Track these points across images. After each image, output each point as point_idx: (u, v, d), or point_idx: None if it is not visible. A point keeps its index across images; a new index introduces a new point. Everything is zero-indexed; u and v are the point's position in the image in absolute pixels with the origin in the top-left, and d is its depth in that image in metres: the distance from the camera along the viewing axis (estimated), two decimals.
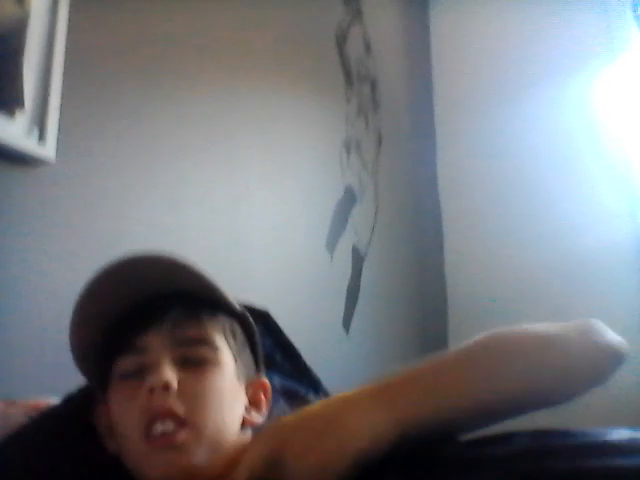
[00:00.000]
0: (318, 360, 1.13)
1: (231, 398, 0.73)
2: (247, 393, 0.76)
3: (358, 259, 1.87)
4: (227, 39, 1.48)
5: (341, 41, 1.96)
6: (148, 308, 0.72)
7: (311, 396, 1.03)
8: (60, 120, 1.03)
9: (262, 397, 0.78)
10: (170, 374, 0.66)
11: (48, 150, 1.00)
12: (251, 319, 0.80)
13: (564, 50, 2.26)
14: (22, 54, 0.99)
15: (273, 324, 1.09)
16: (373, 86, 2.11)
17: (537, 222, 2.23)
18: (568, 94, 2.25)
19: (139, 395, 0.66)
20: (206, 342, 0.72)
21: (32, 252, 0.98)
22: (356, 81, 2.01)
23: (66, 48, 1.05)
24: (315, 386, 1.07)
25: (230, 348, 0.74)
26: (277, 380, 1.00)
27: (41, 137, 0.99)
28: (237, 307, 0.78)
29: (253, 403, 0.77)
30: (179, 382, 0.67)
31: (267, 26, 1.62)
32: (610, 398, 1.96)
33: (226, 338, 0.74)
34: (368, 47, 2.12)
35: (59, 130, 1.03)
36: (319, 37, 1.88)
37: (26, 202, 0.99)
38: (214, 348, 0.72)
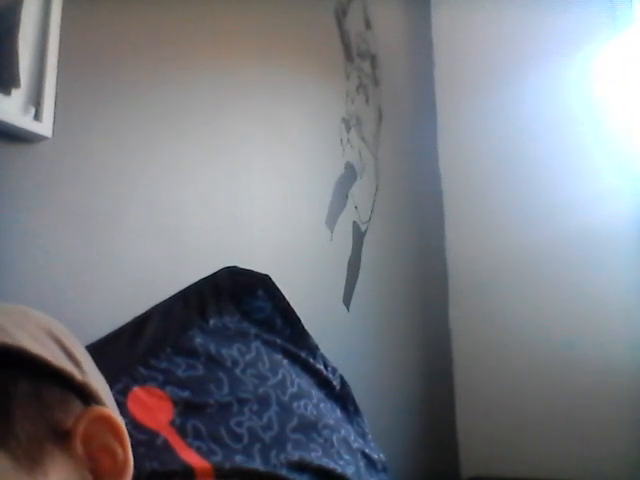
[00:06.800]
0: (319, 337, 1.14)
1: None
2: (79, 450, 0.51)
3: (359, 235, 1.87)
4: (225, 14, 1.47)
5: (341, 16, 1.94)
6: None
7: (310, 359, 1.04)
8: (57, 97, 1.02)
9: (111, 444, 0.53)
10: None
11: (45, 128, 1.00)
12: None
13: (566, 26, 2.24)
14: (17, 31, 0.98)
15: (273, 289, 1.08)
16: (373, 62, 2.09)
17: (537, 199, 2.23)
18: (569, 71, 2.23)
19: None
20: None
21: (30, 228, 0.98)
22: (356, 57, 1.99)
23: (62, 24, 1.04)
24: (313, 352, 1.07)
25: None
26: (279, 341, 1.01)
27: (37, 115, 0.98)
28: None
29: (99, 460, 0.51)
30: None
31: (265, 0, 1.60)
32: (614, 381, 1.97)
33: None
34: (368, 22, 2.09)
35: (56, 107, 1.02)
36: (318, 11, 1.86)
37: (23, 179, 0.98)
38: None
